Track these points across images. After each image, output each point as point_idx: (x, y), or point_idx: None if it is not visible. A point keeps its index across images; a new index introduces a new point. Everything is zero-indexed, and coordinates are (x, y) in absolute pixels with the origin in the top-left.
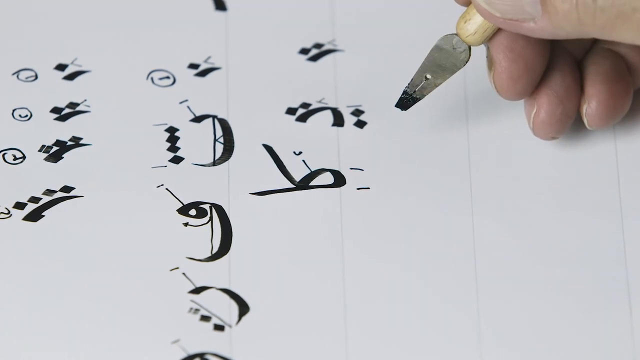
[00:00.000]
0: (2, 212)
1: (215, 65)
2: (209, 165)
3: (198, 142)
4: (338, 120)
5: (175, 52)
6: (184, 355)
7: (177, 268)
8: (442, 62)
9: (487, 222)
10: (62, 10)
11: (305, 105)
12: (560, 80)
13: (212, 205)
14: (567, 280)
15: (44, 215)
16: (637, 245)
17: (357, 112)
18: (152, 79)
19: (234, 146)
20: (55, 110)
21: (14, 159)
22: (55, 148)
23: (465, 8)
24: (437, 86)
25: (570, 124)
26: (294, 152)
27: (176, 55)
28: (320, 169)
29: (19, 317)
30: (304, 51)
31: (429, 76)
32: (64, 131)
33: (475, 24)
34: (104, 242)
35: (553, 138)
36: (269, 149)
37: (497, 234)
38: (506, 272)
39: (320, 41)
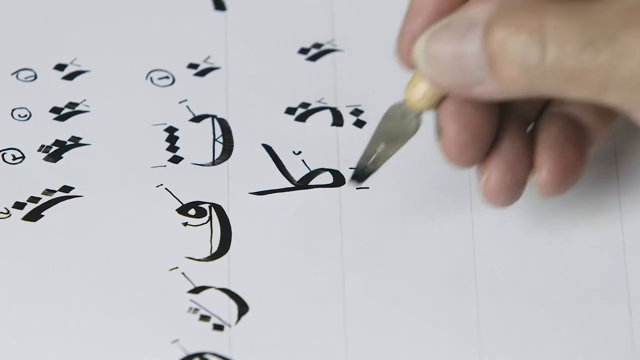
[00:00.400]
0: (1, 212)
1: (215, 65)
2: (208, 165)
3: (197, 141)
4: (337, 120)
5: (174, 51)
6: (183, 355)
7: (177, 268)
8: (393, 131)
9: (487, 221)
10: (62, 10)
11: (304, 105)
12: (509, 146)
13: (212, 204)
14: (567, 281)
15: (43, 215)
16: (637, 246)
17: (357, 112)
18: (151, 78)
19: (233, 146)
20: (55, 110)
21: (13, 159)
22: (54, 148)
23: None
24: (390, 157)
25: (522, 192)
26: (294, 152)
27: (175, 55)
28: (320, 168)
29: (19, 317)
30: (304, 51)
31: (381, 147)
32: (64, 131)
33: (422, 90)
34: (103, 241)
35: (505, 205)
36: (268, 148)
37: (497, 233)
38: (506, 272)
39: (320, 41)
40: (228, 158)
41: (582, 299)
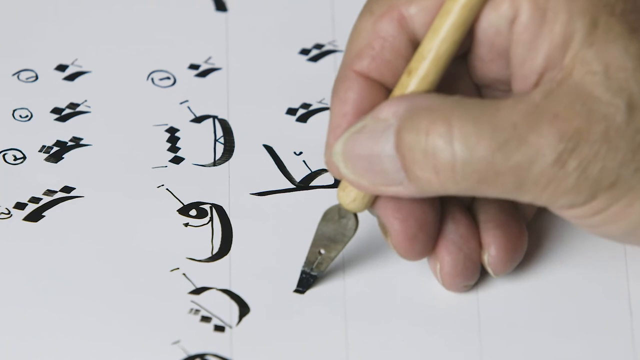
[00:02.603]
0: (2, 213)
1: (216, 66)
2: (209, 166)
3: (198, 142)
4: None
5: (175, 52)
6: (185, 356)
7: (178, 269)
8: (332, 234)
9: None
10: (63, 11)
11: (305, 105)
12: (454, 228)
13: (213, 205)
14: (567, 281)
15: (44, 216)
16: (637, 248)
17: None
18: (152, 79)
19: (234, 146)
20: (56, 110)
21: (15, 159)
22: (55, 148)
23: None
24: (333, 259)
25: (479, 270)
26: (295, 153)
27: (177, 56)
28: (321, 169)
29: (19, 318)
30: (305, 52)
31: (322, 251)
32: (65, 131)
33: (353, 192)
34: (104, 242)
35: (466, 287)
36: (269, 149)
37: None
38: (505, 276)
39: (321, 42)
40: (229, 159)
41: (583, 299)
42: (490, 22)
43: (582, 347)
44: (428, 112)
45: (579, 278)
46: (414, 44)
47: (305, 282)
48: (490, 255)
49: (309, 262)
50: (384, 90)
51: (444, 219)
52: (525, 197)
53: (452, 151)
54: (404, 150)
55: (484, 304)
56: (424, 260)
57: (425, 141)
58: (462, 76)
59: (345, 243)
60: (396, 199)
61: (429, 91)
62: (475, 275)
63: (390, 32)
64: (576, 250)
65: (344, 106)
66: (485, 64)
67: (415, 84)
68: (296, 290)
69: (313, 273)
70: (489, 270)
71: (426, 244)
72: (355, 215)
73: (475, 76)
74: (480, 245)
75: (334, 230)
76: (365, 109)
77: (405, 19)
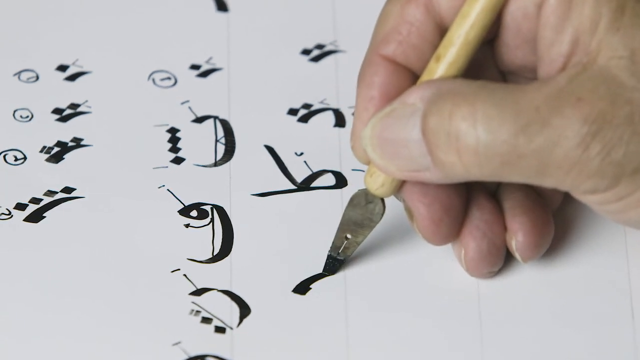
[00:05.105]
0: (3, 213)
1: (217, 66)
2: (210, 166)
3: (199, 143)
4: (340, 121)
5: (176, 53)
6: (185, 357)
7: (178, 270)
8: (359, 219)
9: None
10: (63, 11)
11: (306, 106)
12: (479, 214)
13: (214, 206)
14: (567, 281)
15: (45, 216)
16: (639, 246)
17: None
18: (153, 79)
19: (235, 147)
20: (57, 111)
21: (15, 160)
22: (56, 149)
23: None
24: (359, 244)
25: (503, 257)
26: (296, 153)
27: (178, 56)
28: (322, 170)
29: (20, 318)
30: (306, 52)
31: (349, 236)
32: (65, 132)
33: (380, 177)
34: (104, 243)
35: (490, 273)
36: (270, 149)
37: None
38: (506, 273)
39: (322, 42)
40: (230, 159)
41: (583, 299)
42: (519, 6)
43: (583, 344)
44: (452, 96)
45: (579, 277)
46: (441, 29)
47: (332, 267)
48: (518, 241)
49: (335, 247)
50: (410, 74)
51: (469, 205)
52: (548, 181)
53: (475, 134)
54: (429, 134)
55: (484, 301)
56: (425, 261)
57: (449, 124)
58: (488, 63)
59: (372, 228)
60: (422, 184)
61: (456, 77)
62: (500, 262)
63: (417, 17)
64: (576, 249)
65: (371, 90)
66: (512, 50)
67: (443, 69)
68: (322, 274)
69: (339, 257)
70: (517, 256)
71: (451, 228)
72: (382, 200)
73: (501, 63)
74: (505, 232)
75: (360, 215)
76: (392, 94)
77: (432, 3)
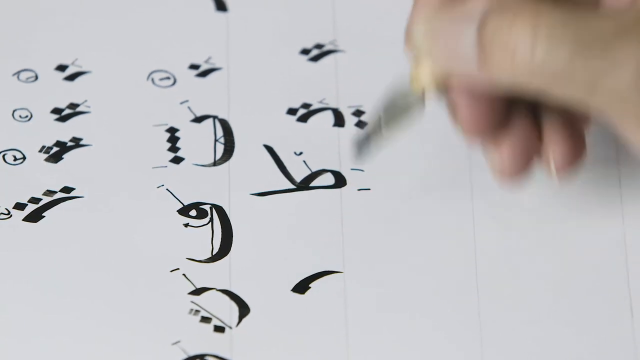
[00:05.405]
0: (2, 213)
1: (216, 66)
2: (209, 166)
3: (199, 142)
4: (339, 121)
5: (176, 52)
6: (184, 356)
7: (178, 269)
8: (397, 112)
9: (488, 222)
10: (63, 11)
11: (306, 105)
12: (518, 123)
13: (213, 206)
14: (567, 281)
15: (44, 216)
16: (638, 246)
17: (358, 113)
18: (152, 79)
19: (234, 146)
20: (56, 111)
21: (14, 160)
22: (55, 149)
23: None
24: (393, 137)
25: (530, 172)
26: (295, 153)
27: (177, 56)
28: (321, 169)
29: (20, 318)
30: (305, 51)
31: (383, 122)
32: (65, 132)
33: (426, 70)
34: (104, 243)
35: (516, 183)
36: (269, 149)
37: (498, 234)
38: (506, 273)
39: (321, 41)
40: (229, 159)
41: (583, 299)
42: None
43: (583, 344)
44: (518, 5)
45: (579, 277)
46: None
47: (361, 146)
48: (556, 154)
49: (365, 131)
50: None
51: (509, 114)
52: (596, 103)
53: (533, 46)
54: (485, 37)
55: (484, 301)
56: (424, 261)
57: (509, 32)
58: None
59: (410, 122)
60: (467, 84)
61: None
62: (530, 174)
63: None
64: (576, 249)
65: None
66: None
67: None
68: (352, 150)
69: (370, 140)
70: (552, 170)
71: (490, 125)
72: (423, 95)
73: None
74: (540, 143)
75: (400, 108)
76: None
77: None
